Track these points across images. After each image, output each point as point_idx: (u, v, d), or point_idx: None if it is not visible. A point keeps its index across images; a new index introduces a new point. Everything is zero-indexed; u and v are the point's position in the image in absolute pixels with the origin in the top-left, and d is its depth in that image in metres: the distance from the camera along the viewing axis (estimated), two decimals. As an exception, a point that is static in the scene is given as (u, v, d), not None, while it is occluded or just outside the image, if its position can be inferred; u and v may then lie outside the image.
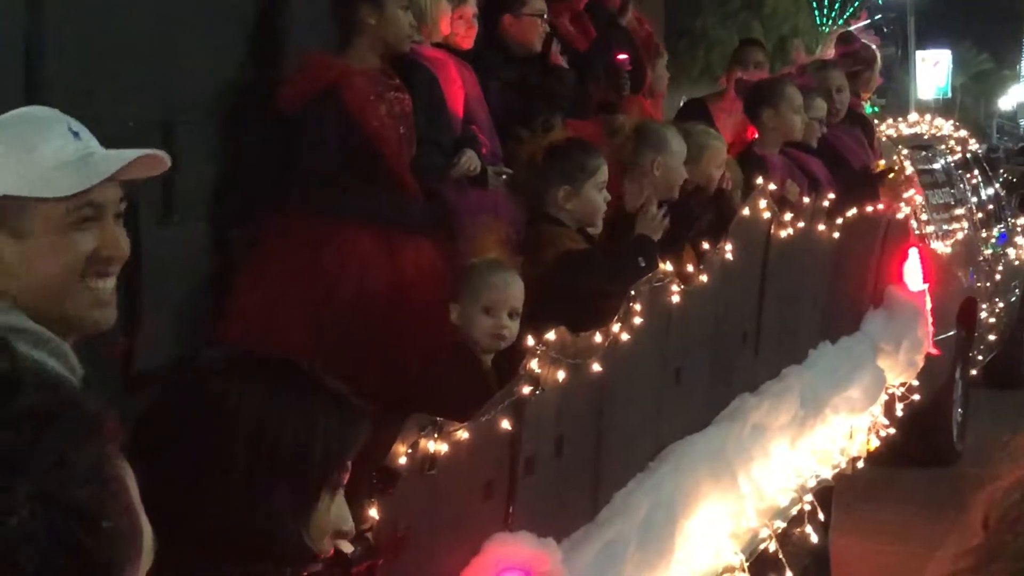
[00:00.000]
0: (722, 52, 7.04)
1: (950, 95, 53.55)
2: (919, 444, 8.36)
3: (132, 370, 3.79)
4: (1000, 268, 10.66)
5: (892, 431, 6.63)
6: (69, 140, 2.20)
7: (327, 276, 4.22)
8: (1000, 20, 66.41)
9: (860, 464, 6.34)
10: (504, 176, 4.83)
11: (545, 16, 5.46)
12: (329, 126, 4.25)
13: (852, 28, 12.69)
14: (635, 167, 4.80)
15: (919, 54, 49.41)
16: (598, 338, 3.80)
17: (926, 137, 10.09)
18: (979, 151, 12.42)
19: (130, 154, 2.25)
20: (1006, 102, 64.99)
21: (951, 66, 54.45)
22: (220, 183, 4.26)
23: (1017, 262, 11.27)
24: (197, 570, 2.01)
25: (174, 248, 4.04)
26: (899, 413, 6.82)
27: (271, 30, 4.42)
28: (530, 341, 3.51)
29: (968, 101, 57.38)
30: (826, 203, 5.77)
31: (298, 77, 4.28)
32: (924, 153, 9.76)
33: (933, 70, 54.17)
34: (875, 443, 6.45)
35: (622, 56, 6.11)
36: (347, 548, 2.84)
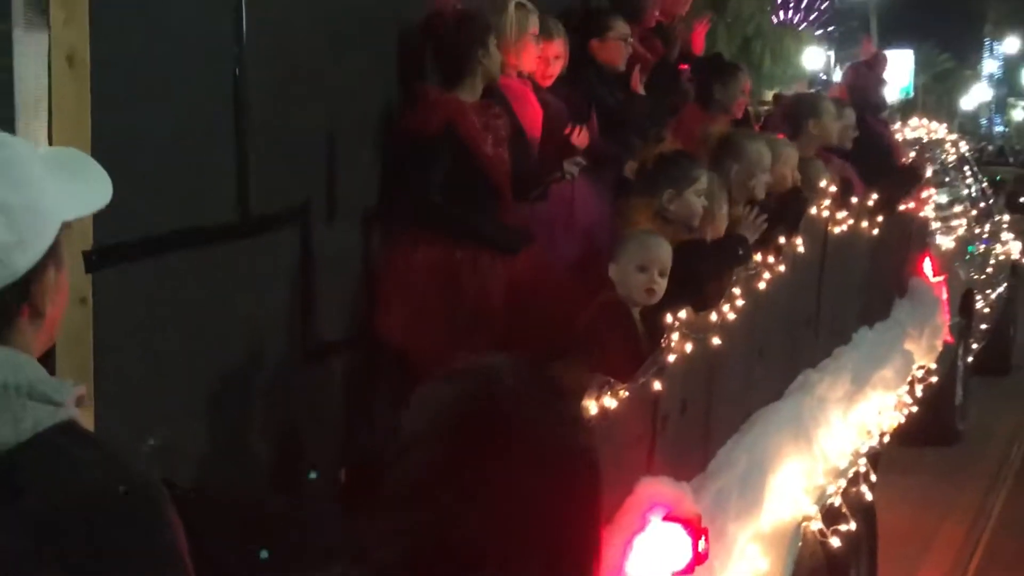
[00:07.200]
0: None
1: (912, 95, 54.33)
2: (924, 424, 9.06)
3: (308, 346, 4.48)
4: (991, 262, 11.44)
5: (915, 409, 7.30)
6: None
7: (460, 271, 4.93)
8: (962, 20, 67.44)
9: (887, 439, 7.02)
10: (577, 165, 5.41)
11: (629, 40, 6.14)
12: (445, 157, 4.91)
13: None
14: (717, 173, 5.49)
15: (882, 53, 50.28)
16: (713, 316, 4.48)
17: (925, 140, 10.83)
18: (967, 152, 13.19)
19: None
20: (967, 102, 66.14)
21: (913, 66, 55.19)
22: (373, 187, 4.93)
23: (1003, 257, 12.05)
24: None
25: (337, 243, 4.70)
26: (919, 394, 7.51)
27: (415, 56, 5.09)
28: (668, 318, 4.19)
29: (930, 101, 58.21)
30: (870, 202, 6.47)
31: (419, 110, 4.95)
32: (926, 155, 10.49)
33: (895, 70, 54.74)
34: (901, 420, 7.13)
35: (684, 66, 6.80)
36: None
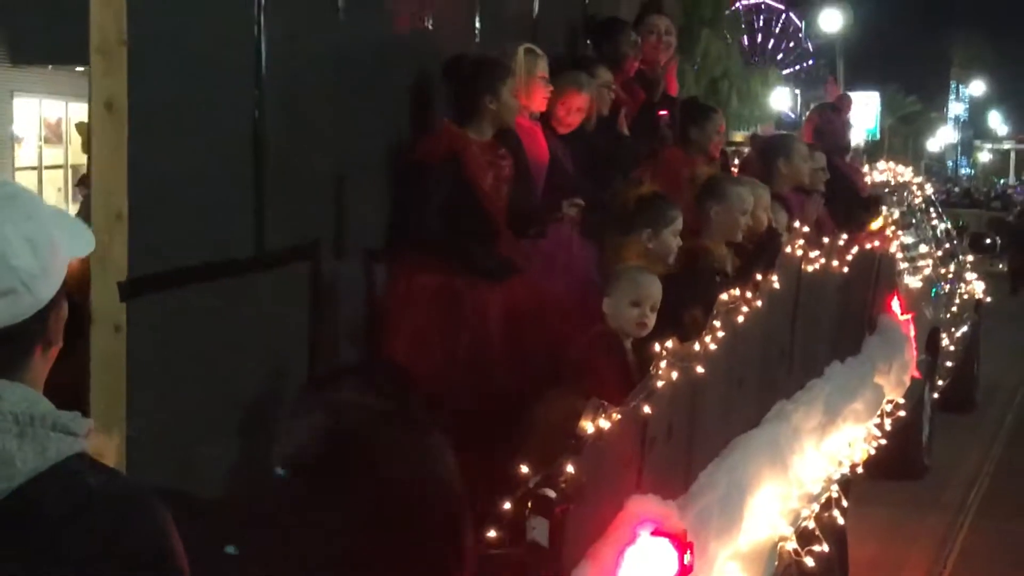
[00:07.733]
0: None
1: (879, 137, 54.88)
2: (892, 458, 9.37)
3: (315, 370, 4.76)
4: (956, 302, 11.81)
5: (884, 442, 7.60)
6: None
7: (459, 294, 5.22)
8: (928, 63, 68.33)
9: (859, 470, 7.33)
10: (575, 207, 5.75)
11: (612, 86, 6.49)
12: (445, 186, 5.23)
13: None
14: (700, 213, 5.83)
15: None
16: (697, 347, 4.79)
17: (893, 183, 11.20)
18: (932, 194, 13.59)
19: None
20: (934, 144, 66.99)
21: (879, 108, 55.75)
22: (379, 223, 5.23)
23: (967, 296, 12.42)
24: None
25: (345, 275, 5.00)
26: (888, 427, 7.82)
27: (429, 99, 5.40)
28: (656, 348, 4.50)
29: (896, 143, 58.81)
30: (840, 242, 6.82)
31: (432, 138, 5.28)
32: (894, 197, 10.87)
33: (862, 112, 55.47)
34: (871, 452, 7.43)
35: (663, 112, 7.14)
36: (552, 494, 3.82)
